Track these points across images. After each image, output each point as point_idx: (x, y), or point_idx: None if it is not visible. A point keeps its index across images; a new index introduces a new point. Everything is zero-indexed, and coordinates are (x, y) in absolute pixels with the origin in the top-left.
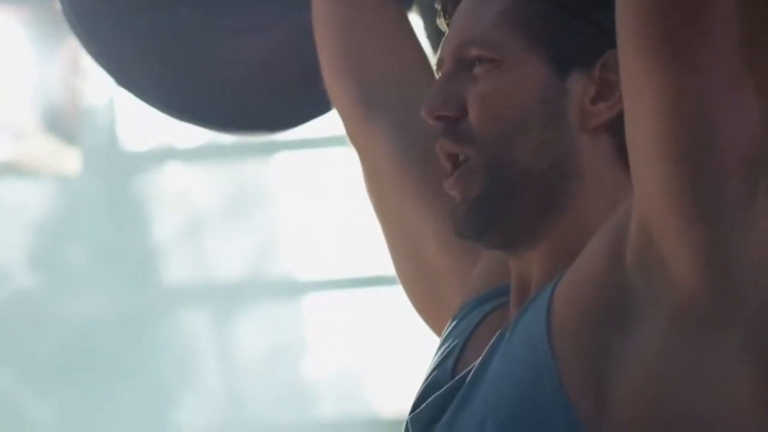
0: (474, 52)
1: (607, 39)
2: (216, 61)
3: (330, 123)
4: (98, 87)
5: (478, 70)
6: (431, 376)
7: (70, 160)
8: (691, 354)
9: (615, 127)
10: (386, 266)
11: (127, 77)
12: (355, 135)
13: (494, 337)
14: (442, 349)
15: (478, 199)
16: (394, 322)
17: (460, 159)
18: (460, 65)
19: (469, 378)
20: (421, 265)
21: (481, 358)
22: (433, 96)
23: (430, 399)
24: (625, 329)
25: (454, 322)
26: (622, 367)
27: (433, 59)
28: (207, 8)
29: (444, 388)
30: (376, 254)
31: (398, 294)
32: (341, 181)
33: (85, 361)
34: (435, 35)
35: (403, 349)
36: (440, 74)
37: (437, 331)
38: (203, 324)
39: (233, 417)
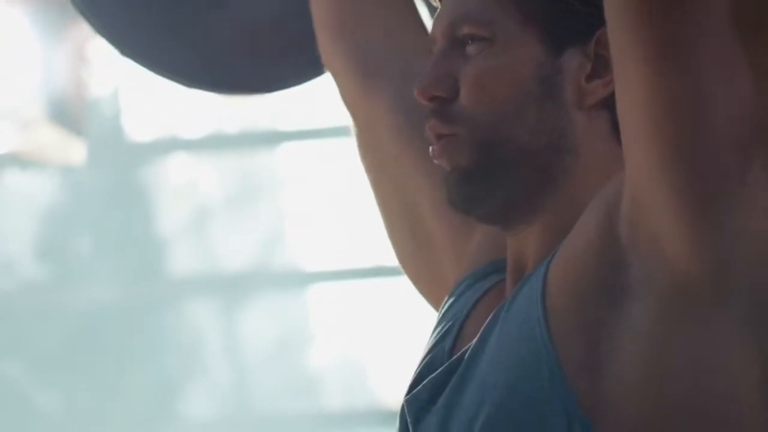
0: (466, 30)
1: (601, 15)
2: (215, 24)
3: (335, 114)
4: (103, 77)
5: (470, 48)
6: (427, 357)
7: (75, 151)
8: (687, 333)
9: (611, 104)
10: (391, 257)
11: (129, 44)
12: (352, 104)
13: (490, 317)
14: (439, 329)
15: (468, 170)
16: (398, 312)
17: (444, 135)
18: (452, 43)
19: (465, 359)
20: (417, 231)
21: (477, 338)
22: (425, 76)
23: (426, 380)
24: (620, 307)
25: (451, 300)
26: (617, 346)
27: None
28: None
29: (440, 370)
30: (381, 245)
31: (403, 285)
32: (346, 172)
33: (91, 351)
34: (433, 11)
35: (408, 339)
36: (433, 53)
37: (434, 303)
38: (209, 314)
39: (239, 406)
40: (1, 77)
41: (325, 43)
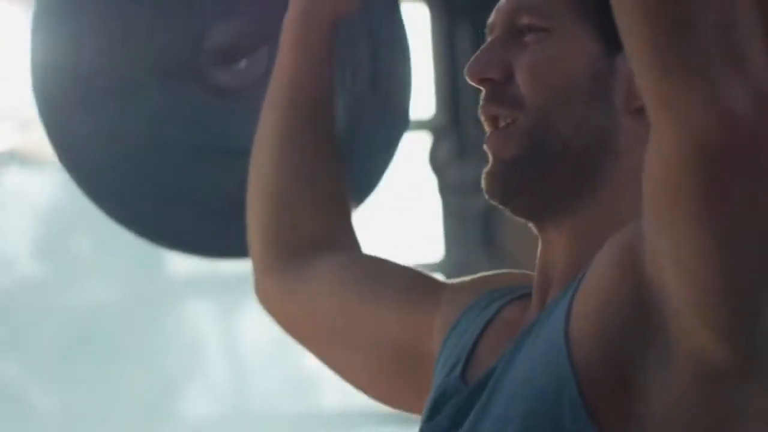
0: (526, 19)
1: None
2: (199, 183)
3: None
4: None
5: (528, 38)
6: (440, 386)
7: None
8: (713, 393)
9: None
10: (387, 257)
11: (118, 208)
12: (275, 290)
13: (515, 341)
14: (443, 359)
15: (513, 161)
16: None
17: (505, 121)
18: (510, 32)
19: (489, 384)
20: (388, 355)
21: (501, 363)
22: (479, 58)
23: (447, 406)
24: (648, 348)
25: (452, 331)
26: (643, 386)
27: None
28: (192, 128)
29: (462, 396)
30: (377, 245)
31: None
32: None
33: (90, 350)
34: (440, 28)
35: None
36: (490, 39)
37: (416, 411)
38: (208, 314)
39: (238, 406)
40: (0, 76)
41: (256, 238)
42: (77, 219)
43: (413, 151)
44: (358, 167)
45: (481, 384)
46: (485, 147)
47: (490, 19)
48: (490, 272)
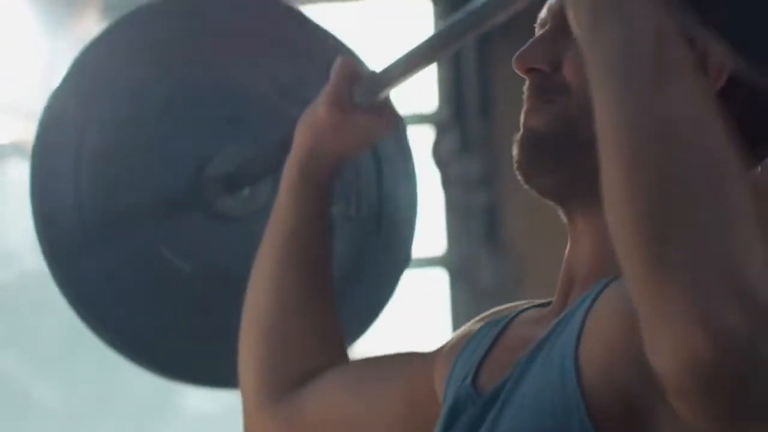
0: None
1: (706, 24)
2: (202, 311)
3: None
4: None
5: None
6: (454, 396)
7: None
8: None
9: None
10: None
11: (127, 344)
12: (269, 424)
13: (530, 351)
14: (454, 376)
15: (541, 134)
16: (398, 304)
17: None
18: (563, 26)
19: (502, 395)
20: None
21: (515, 374)
22: (529, 48)
23: (462, 417)
24: (655, 391)
25: (457, 359)
26: (656, 419)
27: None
28: (195, 255)
29: (477, 406)
30: None
31: (403, 282)
32: None
33: (92, 345)
34: (444, 21)
35: (405, 333)
36: (541, 31)
37: None
38: None
39: (239, 400)
40: (4, 68)
41: (248, 368)
42: None
43: (416, 145)
44: (358, 301)
45: (494, 394)
46: (524, 111)
47: (542, 14)
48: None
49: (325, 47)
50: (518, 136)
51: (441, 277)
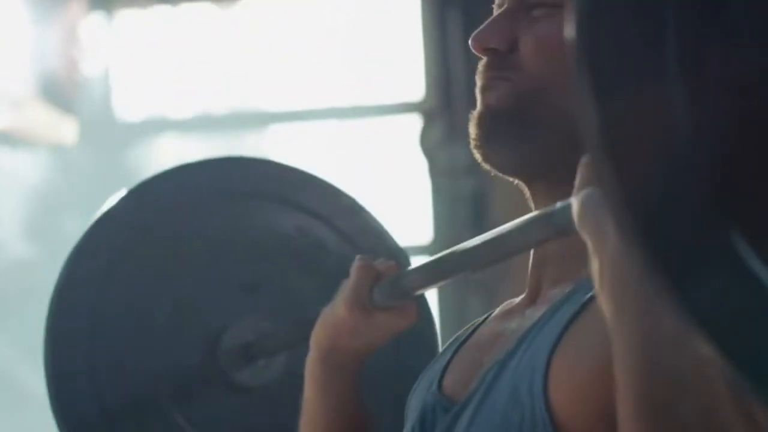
0: None
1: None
2: None
3: (324, 96)
4: (95, 57)
5: (537, 12)
6: (421, 405)
7: (67, 130)
8: None
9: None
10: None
11: None
12: None
13: (498, 360)
14: (420, 386)
15: (500, 111)
16: None
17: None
18: (520, 5)
19: (471, 406)
20: None
21: (483, 384)
22: (486, 28)
23: (436, 425)
24: None
25: (418, 384)
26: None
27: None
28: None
29: (449, 415)
30: None
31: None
32: (335, 154)
33: None
34: (430, 10)
35: None
36: (499, 11)
37: None
38: None
39: None
40: None
41: None
42: (68, 200)
43: (403, 134)
44: None
45: (465, 403)
46: (478, 94)
47: None
48: None
49: (342, 208)
50: (474, 114)
51: None
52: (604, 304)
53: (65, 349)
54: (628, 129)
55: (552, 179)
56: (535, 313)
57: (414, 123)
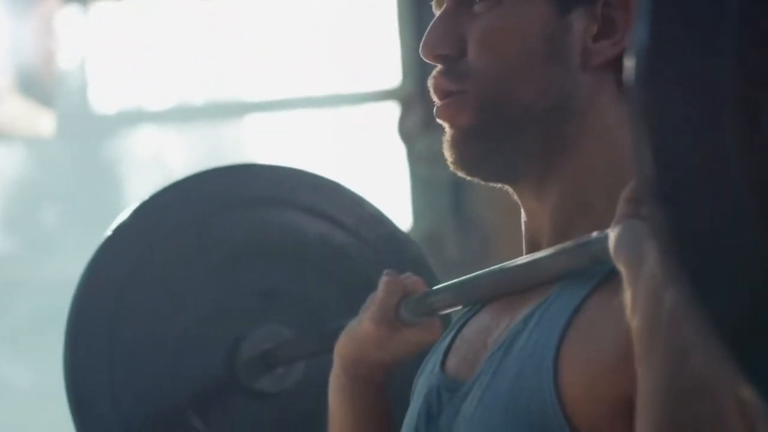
0: None
1: None
2: None
3: (301, 85)
4: (71, 49)
5: (478, 7)
6: (425, 387)
7: (44, 123)
8: None
9: (617, 65)
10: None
11: None
12: None
13: (501, 345)
14: (427, 367)
15: (471, 129)
16: None
17: (451, 92)
18: (459, 2)
19: (475, 392)
20: None
21: (487, 370)
22: (431, 34)
23: (440, 413)
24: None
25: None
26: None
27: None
28: None
29: (455, 400)
30: None
31: None
32: (313, 143)
33: (60, 324)
34: None
35: None
36: (439, 12)
37: None
38: None
39: None
40: None
41: None
42: (46, 192)
43: (381, 121)
44: None
45: (469, 388)
46: (438, 119)
47: None
48: None
49: (366, 217)
50: (447, 136)
51: None
52: (635, 334)
53: (85, 361)
54: (684, 179)
55: (534, 177)
56: (539, 292)
57: (391, 110)
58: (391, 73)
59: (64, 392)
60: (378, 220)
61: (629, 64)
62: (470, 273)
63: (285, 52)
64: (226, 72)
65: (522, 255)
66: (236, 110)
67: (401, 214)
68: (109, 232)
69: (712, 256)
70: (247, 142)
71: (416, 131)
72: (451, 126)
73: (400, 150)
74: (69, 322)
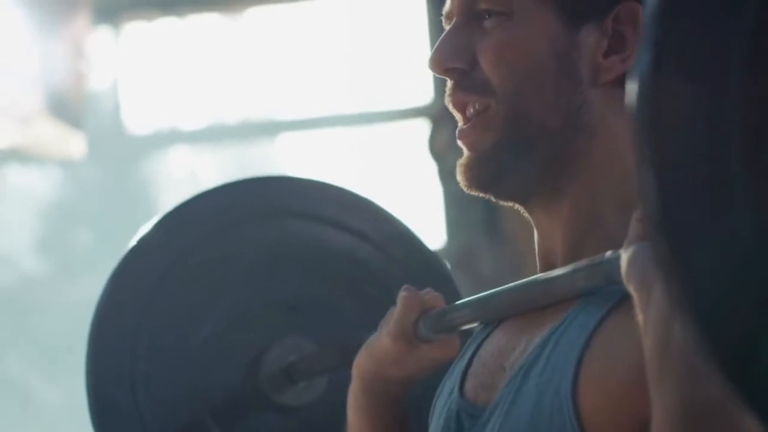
0: (483, 5)
1: None
2: None
3: (333, 103)
4: (102, 71)
5: (488, 23)
6: (445, 411)
7: (75, 145)
8: None
9: (626, 81)
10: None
11: None
12: None
13: (520, 369)
14: (444, 390)
15: (490, 149)
16: None
17: (474, 108)
18: (469, 18)
19: (495, 419)
20: None
21: (506, 396)
22: (441, 48)
23: (464, 429)
24: None
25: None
26: None
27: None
28: None
29: (477, 426)
30: None
31: None
32: (345, 162)
33: None
34: (437, 16)
35: None
36: (448, 27)
37: None
38: None
39: None
40: (2, 72)
41: None
42: (78, 215)
43: (413, 140)
44: None
45: (490, 414)
46: (459, 141)
47: (446, 7)
48: None
49: (393, 233)
50: (463, 160)
51: None
52: (647, 359)
53: (107, 373)
54: (687, 210)
55: (545, 194)
56: (556, 314)
57: (423, 127)
58: (423, 91)
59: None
60: (406, 238)
61: (631, 89)
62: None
63: (317, 71)
64: (258, 91)
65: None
66: (269, 129)
67: (434, 230)
68: (133, 243)
69: (712, 288)
70: (281, 160)
71: (447, 148)
72: (471, 149)
73: (431, 167)
74: (91, 334)
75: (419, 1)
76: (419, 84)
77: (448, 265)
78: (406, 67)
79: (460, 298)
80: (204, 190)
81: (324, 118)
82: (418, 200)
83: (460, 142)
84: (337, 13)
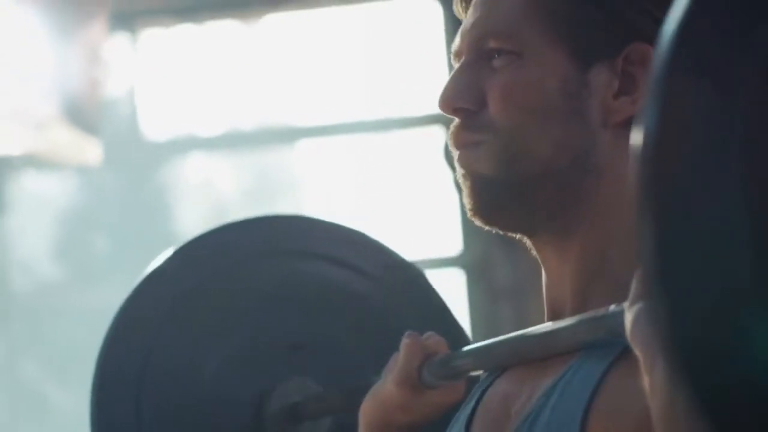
0: (493, 44)
1: (630, 31)
2: None
3: (351, 110)
4: (118, 77)
5: (497, 62)
6: None
7: (91, 151)
8: None
9: (632, 128)
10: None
11: None
12: None
13: (525, 418)
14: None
15: (489, 178)
16: None
17: (472, 142)
18: (478, 57)
19: None
20: None
21: None
22: (450, 87)
23: None
24: None
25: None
26: None
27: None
28: None
29: None
30: (396, 241)
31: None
32: (363, 168)
33: None
34: (453, 24)
35: None
36: (458, 65)
37: None
38: None
39: None
40: (15, 78)
41: None
42: (94, 221)
43: (428, 147)
44: None
45: None
46: (458, 168)
47: (455, 45)
48: None
49: (391, 267)
50: (466, 184)
51: (458, 277)
52: (653, 422)
53: (112, 407)
54: (687, 276)
55: (551, 231)
56: (558, 364)
57: (439, 135)
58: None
59: None
60: (402, 268)
61: (636, 143)
62: (519, 299)
63: (333, 78)
64: (275, 98)
65: (543, 314)
66: (286, 136)
67: (450, 238)
68: (145, 275)
69: (709, 359)
70: (298, 167)
71: None
72: (469, 172)
73: (447, 175)
74: (99, 363)
75: (436, 8)
76: (435, 91)
77: (464, 275)
78: (422, 74)
79: (459, 328)
80: (217, 226)
81: (340, 125)
82: (434, 207)
83: (459, 170)
84: (354, 20)
